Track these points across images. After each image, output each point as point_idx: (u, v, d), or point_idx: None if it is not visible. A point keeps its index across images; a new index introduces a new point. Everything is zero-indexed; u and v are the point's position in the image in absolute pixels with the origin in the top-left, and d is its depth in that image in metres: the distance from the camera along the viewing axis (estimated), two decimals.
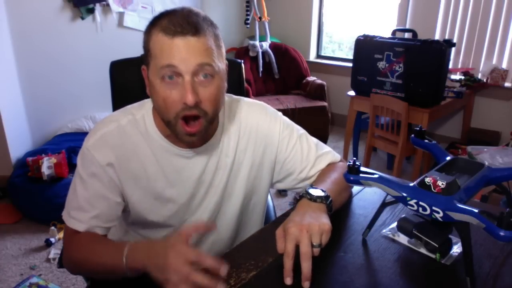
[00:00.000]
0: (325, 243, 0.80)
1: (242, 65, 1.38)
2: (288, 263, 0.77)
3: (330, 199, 0.89)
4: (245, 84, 1.42)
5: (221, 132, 1.00)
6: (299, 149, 1.05)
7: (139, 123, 0.95)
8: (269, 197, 1.38)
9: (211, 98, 0.85)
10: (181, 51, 0.81)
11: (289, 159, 1.05)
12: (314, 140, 1.10)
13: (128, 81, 1.31)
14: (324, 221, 0.81)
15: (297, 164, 1.06)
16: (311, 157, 1.06)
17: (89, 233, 0.94)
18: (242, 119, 1.02)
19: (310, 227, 0.79)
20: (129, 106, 0.99)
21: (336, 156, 1.11)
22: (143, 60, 0.89)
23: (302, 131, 1.09)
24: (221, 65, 0.88)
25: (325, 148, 1.11)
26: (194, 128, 0.86)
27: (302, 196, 0.90)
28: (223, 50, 0.90)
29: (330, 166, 1.08)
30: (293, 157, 1.05)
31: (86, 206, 0.93)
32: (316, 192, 0.89)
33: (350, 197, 1.11)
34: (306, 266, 0.76)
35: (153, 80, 0.85)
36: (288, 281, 0.77)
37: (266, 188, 1.10)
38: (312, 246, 0.78)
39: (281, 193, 2.94)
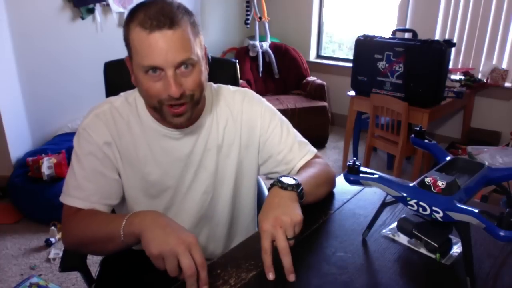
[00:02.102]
0: (298, 234, 0.81)
1: (237, 64, 1.38)
2: (267, 259, 0.78)
3: (301, 187, 0.88)
4: (245, 84, 1.43)
5: (209, 114, 1.03)
6: (279, 132, 1.09)
7: (131, 105, 0.99)
8: (267, 194, 1.38)
9: (195, 84, 0.89)
10: (160, 48, 0.83)
11: (269, 140, 1.08)
12: (295, 130, 1.13)
13: (122, 81, 1.30)
14: (296, 212, 0.81)
15: (275, 146, 1.08)
16: (289, 141, 1.09)
17: (90, 209, 0.94)
18: (229, 103, 1.06)
19: (282, 222, 0.79)
20: (122, 93, 1.04)
21: (312, 150, 1.13)
22: (127, 50, 0.91)
23: (284, 118, 1.13)
24: (200, 51, 0.91)
25: (304, 139, 1.14)
26: (180, 109, 0.89)
27: (274, 184, 0.88)
28: (201, 36, 0.92)
29: (308, 162, 1.09)
30: (272, 138, 1.08)
31: (85, 184, 0.94)
32: (287, 180, 0.88)
33: (330, 192, 1.11)
34: (287, 260, 0.77)
35: (137, 73, 0.89)
36: (271, 276, 0.78)
37: (255, 171, 1.13)
38: (287, 239, 0.79)
39: None
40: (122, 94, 1.03)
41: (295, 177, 0.90)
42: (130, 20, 0.86)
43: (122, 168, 0.99)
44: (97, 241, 0.88)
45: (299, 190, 0.88)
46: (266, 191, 1.40)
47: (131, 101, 1.00)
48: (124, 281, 1.06)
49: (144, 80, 0.87)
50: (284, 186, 0.87)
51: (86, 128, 0.96)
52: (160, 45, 0.83)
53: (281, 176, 0.90)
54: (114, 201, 0.99)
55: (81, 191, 0.94)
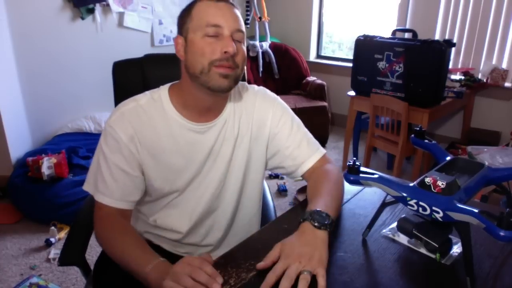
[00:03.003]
0: (316, 273, 0.78)
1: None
2: (271, 279, 0.77)
3: (333, 224, 0.89)
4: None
5: (229, 107, 1.09)
6: (289, 127, 1.12)
7: (156, 102, 1.04)
8: (269, 196, 1.38)
9: (243, 55, 0.99)
10: (225, 14, 0.96)
11: (278, 135, 1.12)
12: (306, 130, 1.16)
13: (130, 82, 1.32)
14: (323, 255, 0.82)
15: (284, 140, 1.11)
16: (298, 137, 1.12)
17: (118, 213, 1.01)
18: (244, 98, 1.12)
19: (306, 259, 0.79)
20: (147, 91, 1.07)
21: (321, 150, 1.15)
22: (179, 30, 1.01)
23: (297, 118, 1.16)
24: (244, 42, 1.01)
25: (314, 140, 1.16)
26: (228, 70, 0.96)
27: (305, 219, 0.88)
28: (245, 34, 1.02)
29: (322, 171, 1.09)
30: (282, 133, 1.12)
31: (110, 181, 1.00)
32: (321, 218, 0.87)
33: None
34: (285, 285, 0.75)
35: (193, 37, 0.96)
36: None
37: (263, 164, 1.15)
38: (304, 272, 0.78)
39: (281, 193, 2.94)
40: (147, 92, 1.07)
41: (327, 213, 0.89)
42: (195, 2, 0.98)
43: (146, 161, 1.02)
44: (121, 265, 0.93)
45: (331, 229, 0.88)
46: (267, 193, 1.40)
47: (156, 97, 1.04)
48: (119, 282, 1.05)
49: (201, 42, 0.95)
50: (318, 226, 0.86)
51: (112, 125, 1.00)
52: (225, 11, 0.96)
53: (313, 210, 0.89)
54: (136, 197, 1.05)
55: (107, 188, 1.00)
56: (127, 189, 1.02)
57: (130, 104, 1.03)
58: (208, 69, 0.95)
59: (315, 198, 0.98)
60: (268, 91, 1.18)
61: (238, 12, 0.99)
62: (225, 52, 0.93)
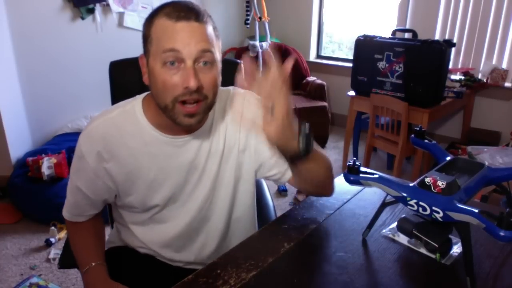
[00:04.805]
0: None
1: (242, 65, 1.38)
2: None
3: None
4: None
5: (212, 119, 1.01)
6: None
7: (129, 114, 0.97)
8: (269, 196, 1.38)
9: (212, 83, 0.88)
10: (184, 36, 0.83)
11: (261, 144, 1.03)
12: None
13: (127, 82, 1.31)
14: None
15: (266, 150, 1.03)
16: None
17: (83, 228, 1.09)
18: (229, 107, 1.04)
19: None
20: (121, 101, 1.01)
21: None
22: (143, 48, 0.91)
23: None
24: (219, 56, 0.90)
25: None
26: (193, 108, 0.87)
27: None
28: (220, 43, 0.92)
29: None
30: (264, 142, 1.02)
31: (69, 198, 1.06)
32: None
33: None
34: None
35: (153, 66, 0.86)
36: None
37: (252, 175, 1.08)
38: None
39: (281, 193, 2.94)
40: (121, 102, 1.00)
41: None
42: (155, 15, 0.87)
43: (118, 177, 0.98)
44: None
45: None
46: (267, 193, 1.39)
47: (128, 109, 0.97)
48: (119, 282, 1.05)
49: (161, 73, 0.85)
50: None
51: (80, 144, 0.97)
52: (184, 33, 0.83)
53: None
54: (94, 212, 1.08)
55: (68, 203, 1.07)
56: (83, 207, 1.05)
57: (99, 119, 0.96)
58: (172, 106, 0.86)
59: None
60: (255, 95, 1.03)
61: (207, 28, 0.86)
62: (186, 87, 0.83)
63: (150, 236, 1.07)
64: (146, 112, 0.96)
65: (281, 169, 1.05)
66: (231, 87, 1.08)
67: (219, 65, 0.91)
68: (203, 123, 0.98)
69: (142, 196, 1.01)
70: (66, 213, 1.08)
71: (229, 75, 0.96)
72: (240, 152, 1.04)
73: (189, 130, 0.96)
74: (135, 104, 0.97)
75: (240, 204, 1.10)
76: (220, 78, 0.92)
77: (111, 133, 0.95)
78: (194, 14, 0.84)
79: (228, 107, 1.04)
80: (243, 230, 1.12)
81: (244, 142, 1.04)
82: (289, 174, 1.05)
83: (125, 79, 1.32)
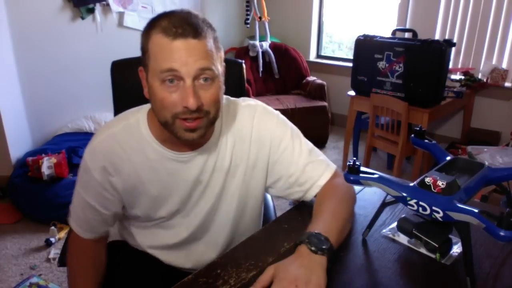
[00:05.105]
0: None
1: (243, 65, 1.38)
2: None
3: (333, 250, 0.81)
4: (245, 84, 1.43)
5: (218, 134, 0.98)
6: (290, 152, 1.01)
7: (133, 128, 0.95)
8: (269, 196, 1.38)
9: (213, 99, 0.85)
10: (182, 54, 0.80)
11: (279, 161, 1.02)
12: (309, 145, 1.05)
13: (129, 81, 1.31)
14: (320, 282, 0.74)
15: (286, 168, 1.02)
16: (301, 162, 1.01)
17: (81, 267, 1.04)
18: (238, 121, 1.01)
19: (302, 283, 0.73)
20: (127, 111, 0.99)
21: (330, 167, 1.04)
22: (141, 61, 0.89)
23: (297, 133, 1.05)
24: (220, 68, 0.88)
25: (320, 155, 1.05)
26: (194, 123, 0.85)
27: (302, 242, 0.81)
28: (222, 53, 0.90)
29: (329, 187, 1.01)
30: (283, 160, 1.01)
31: (80, 213, 1.00)
32: (319, 242, 0.80)
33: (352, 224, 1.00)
34: None
35: (152, 83, 0.84)
36: None
37: (261, 192, 1.07)
38: None
39: None
40: (126, 112, 0.98)
41: (327, 237, 0.82)
42: (151, 28, 0.83)
43: (123, 193, 0.97)
44: None
45: (330, 255, 0.80)
46: (271, 204, 1.38)
47: (133, 122, 0.95)
48: (119, 282, 1.05)
49: (160, 91, 0.83)
50: (314, 250, 0.79)
51: (86, 160, 0.95)
52: (182, 52, 0.80)
53: (310, 235, 0.82)
54: (105, 229, 1.04)
55: (77, 217, 1.01)
56: (94, 223, 1.01)
57: (103, 134, 0.95)
58: (172, 122, 0.85)
59: (316, 218, 0.91)
60: (265, 108, 1.04)
61: (206, 43, 0.82)
62: (185, 106, 0.82)
63: (151, 240, 1.07)
64: (151, 126, 0.94)
65: (303, 188, 1.03)
66: (240, 99, 1.05)
67: (221, 79, 0.88)
68: (208, 137, 0.96)
69: (147, 210, 1.00)
70: (76, 227, 1.02)
71: (229, 75, 0.95)
72: (249, 169, 1.02)
73: (193, 145, 0.94)
74: (139, 117, 0.95)
75: (246, 219, 1.09)
76: (222, 92, 0.90)
77: (114, 149, 0.93)
78: (192, 31, 0.81)
79: (237, 121, 1.00)
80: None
81: (254, 158, 1.01)
82: (311, 194, 1.03)
83: (127, 78, 1.32)
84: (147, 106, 0.96)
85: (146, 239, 1.07)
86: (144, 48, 0.86)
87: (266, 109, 1.04)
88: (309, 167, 1.01)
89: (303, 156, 1.02)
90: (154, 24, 0.83)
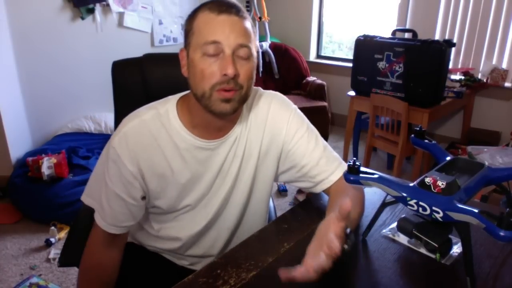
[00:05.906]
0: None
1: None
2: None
3: (352, 235, 0.81)
4: None
5: (240, 121, 1.02)
6: (305, 143, 1.05)
7: (163, 117, 0.97)
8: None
9: (248, 74, 0.90)
10: (225, 28, 0.87)
11: (293, 151, 1.05)
12: (324, 141, 1.09)
13: (129, 81, 1.31)
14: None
15: (299, 158, 1.05)
16: (315, 154, 1.05)
17: (109, 239, 1.00)
18: (254, 108, 1.04)
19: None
20: (154, 102, 1.01)
21: (343, 166, 1.06)
22: (184, 40, 0.94)
23: (313, 128, 1.10)
24: (255, 53, 0.93)
25: (333, 153, 1.09)
26: (230, 93, 0.88)
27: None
28: (257, 41, 0.94)
29: (341, 185, 1.02)
30: (297, 149, 1.05)
31: (106, 206, 0.97)
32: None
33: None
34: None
35: (194, 56, 0.89)
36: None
37: (271, 178, 1.09)
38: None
39: (281, 193, 2.94)
40: (154, 103, 1.00)
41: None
42: (198, 10, 0.91)
43: (151, 183, 0.97)
44: None
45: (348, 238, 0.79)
46: (271, 204, 1.37)
47: (163, 112, 0.97)
48: (119, 282, 1.05)
49: (200, 62, 0.88)
50: None
51: (116, 148, 0.94)
52: (226, 26, 0.87)
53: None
54: (130, 223, 1.01)
55: (102, 210, 0.98)
56: (121, 216, 0.98)
57: (133, 121, 0.95)
58: (209, 93, 0.88)
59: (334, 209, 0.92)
60: (285, 99, 1.08)
61: (245, 23, 0.90)
62: (224, 74, 0.86)
63: (167, 232, 1.07)
64: (180, 115, 0.97)
65: (315, 180, 1.05)
66: (257, 88, 1.08)
67: (255, 61, 0.94)
68: (237, 116, 1.00)
69: (171, 199, 1.01)
70: (101, 221, 0.99)
71: None
72: (262, 155, 1.05)
73: (221, 131, 0.98)
74: (169, 107, 0.98)
75: (254, 203, 1.11)
76: (255, 74, 0.94)
77: (145, 135, 0.94)
78: (235, 10, 0.89)
79: (254, 108, 1.04)
80: (254, 226, 1.13)
81: (267, 145, 1.04)
82: (322, 187, 1.06)
83: (128, 78, 1.32)
84: (175, 97, 1.00)
85: (161, 231, 1.07)
86: (187, 29, 0.92)
87: (284, 99, 1.08)
88: (323, 161, 1.05)
89: (318, 149, 1.06)
90: (200, 7, 0.91)
